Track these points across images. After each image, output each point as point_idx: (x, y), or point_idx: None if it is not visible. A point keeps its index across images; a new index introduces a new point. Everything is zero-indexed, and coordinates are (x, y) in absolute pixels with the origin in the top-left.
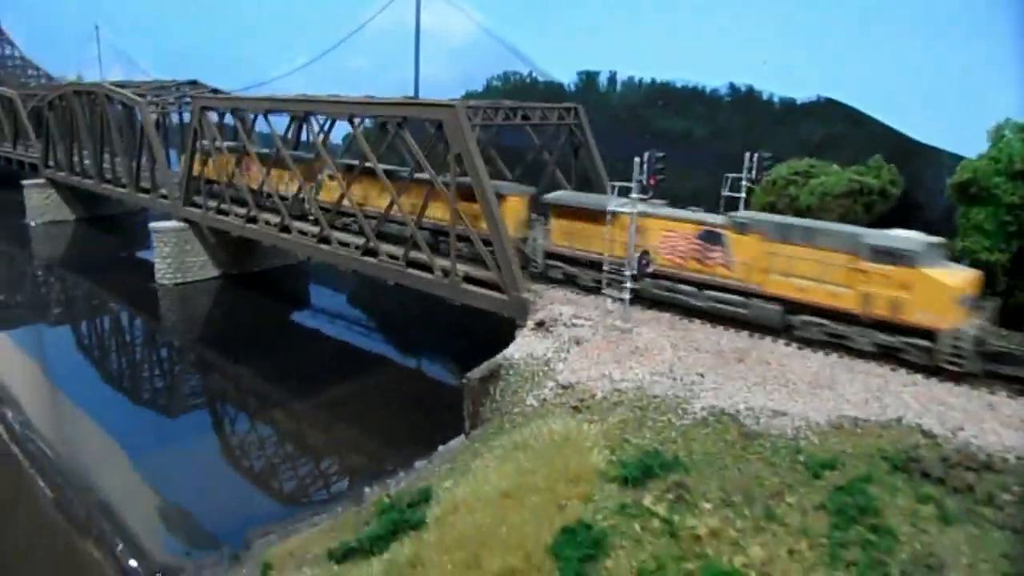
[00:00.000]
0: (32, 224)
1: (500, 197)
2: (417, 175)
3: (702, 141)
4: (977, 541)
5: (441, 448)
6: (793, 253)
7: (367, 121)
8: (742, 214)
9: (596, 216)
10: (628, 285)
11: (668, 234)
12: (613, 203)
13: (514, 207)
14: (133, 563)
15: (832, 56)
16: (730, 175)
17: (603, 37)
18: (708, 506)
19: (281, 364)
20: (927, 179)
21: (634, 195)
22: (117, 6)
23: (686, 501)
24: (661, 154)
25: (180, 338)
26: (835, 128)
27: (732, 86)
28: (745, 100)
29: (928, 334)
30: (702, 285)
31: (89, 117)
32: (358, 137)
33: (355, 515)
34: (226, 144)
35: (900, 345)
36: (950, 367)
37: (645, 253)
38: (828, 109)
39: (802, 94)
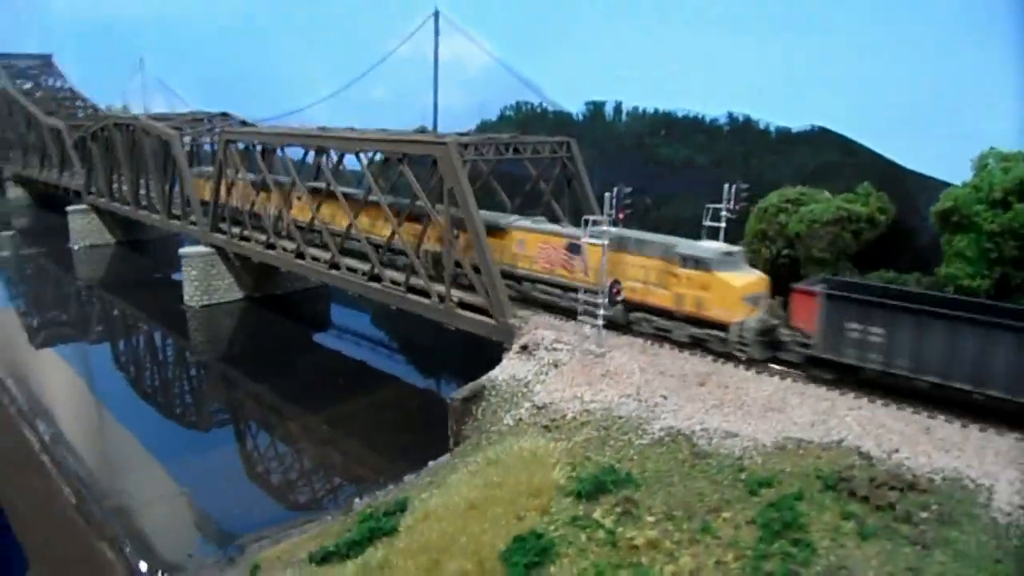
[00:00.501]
0: (75, 247)
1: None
2: (419, 203)
3: (703, 169)
4: (888, 555)
5: (431, 464)
6: (629, 261)
7: (377, 155)
8: (594, 229)
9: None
10: (601, 312)
11: (543, 246)
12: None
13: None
14: (142, 565)
15: (825, 86)
16: (710, 205)
17: (609, 68)
18: (651, 519)
19: (297, 381)
20: (918, 206)
21: (604, 228)
22: (160, 40)
23: (632, 514)
24: (629, 189)
25: (206, 356)
26: (828, 156)
27: (730, 115)
28: (743, 129)
29: (723, 327)
30: (567, 288)
31: (128, 147)
32: (365, 172)
33: (341, 524)
34: (248, 175)
35: (704, 336)
36: (738, 354)
37: (616, 282)
38: (821, 138)
39: (797, 123)
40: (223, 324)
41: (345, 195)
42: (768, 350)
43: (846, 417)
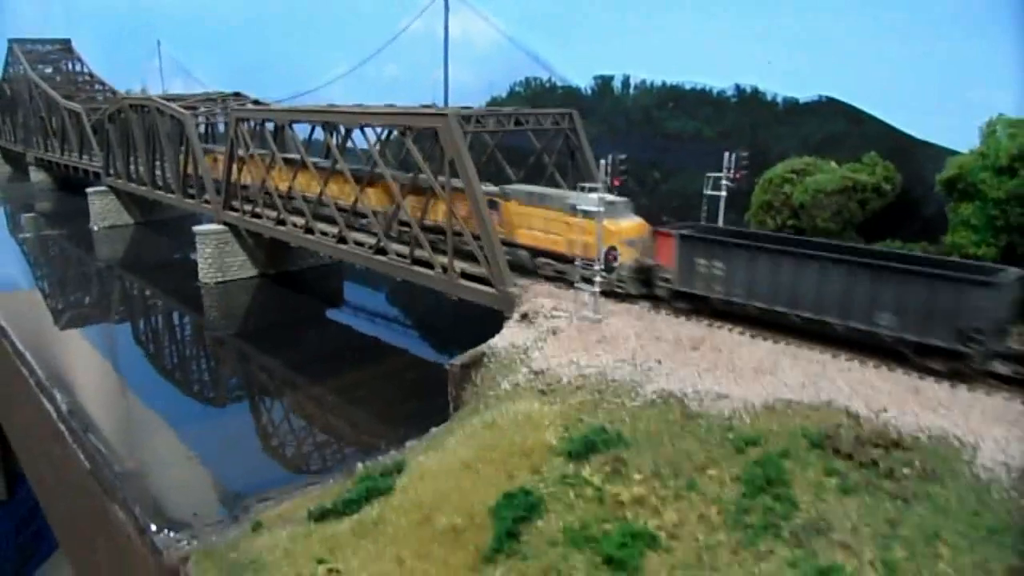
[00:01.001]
0: (95, 228)
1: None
2: (423, 177)
3: (711, 141)
4: (868, 509)
5: (433, 430)
6: (533, 213)
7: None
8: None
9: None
10: (598, 279)
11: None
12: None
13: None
14: (152, 525)
15: (833, 56)
16: (711, 175)
17: (616, 42)
18: (638, 477)
19: (308, 354)
20: (926, 175)
21: (600, 195)
22: (178, 23)
23: (620, 473)
24: (623, 156)
25: (220, 332)
26: (836, 127)
27: (738, 87)
28: (750, 101)
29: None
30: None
31: (143, 128)
32: (370, 146)
33: (341, 485)
34: (258, 152)
35: (591, 276)
36: (618, 290)
37: (612, 248)
38: (829, 108)
39: (804, 94)
40: (238, 301)
41: (351, 170)
42: (643, 286)
43: (836, 379)
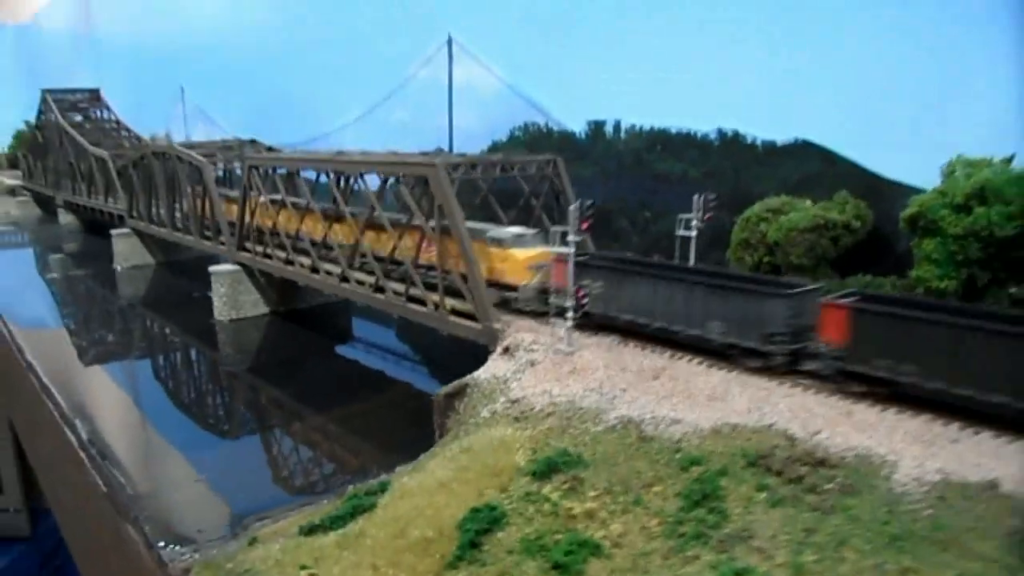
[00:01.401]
0: (118, 268)
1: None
2: (415, 222)
3: (697, 182)
4: (789, 519)
5: (422, 456)
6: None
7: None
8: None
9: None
10: (569, 315)
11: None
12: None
13: None
14: (161, 543)
15: (808, 100)
16: (683, 216)
17: (608, 88)
18: (592, 494)
19: (315, 386)
20: (895, 213)
21: (570, 237)
22: (200, 70)
23: (576, 490)
24: (591, 202)
25: (233, 367)
26: (811, 168)
27: (720, 131)
28: (732, 144)
29: (515, 288)
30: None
31: (165, 174)
32: (368, 192)
33: (332, 505)
34: (268, 196)
35: (508, 297)
36: (524, 307)
37: (583, 286)
38: (804, 150)
39: (782, 137)
40: (250, 337)
41: (352, 214)
42: (544, 304)
43: (779, 404)
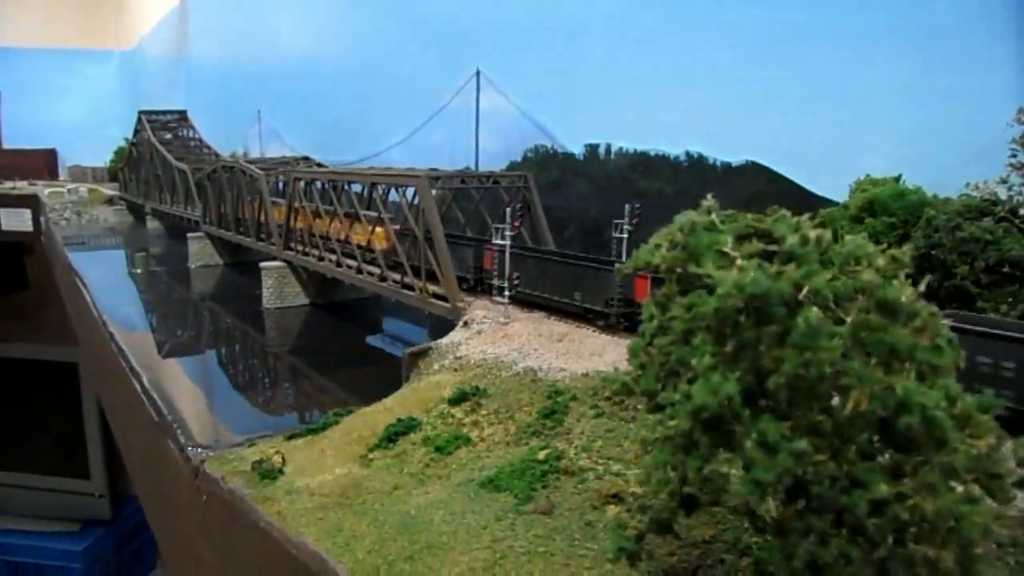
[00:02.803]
0: (192, 267)
1: None
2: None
3: (671, 197)
4: (601, 425)
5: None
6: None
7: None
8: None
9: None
10: (507, 294)
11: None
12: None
13: None
14: (189, 449)
15: (756, 125)
16: (617, 221)
17: (602, 115)
18: (484, 412)
19: (339, 360)
20: None
21: (507, 232)
22: (275, 95)
23: (475, 411)
24: (520, 204)
25: (276, 348)
26: (758, 186)
27: (687, 153)
28: (697, 164)
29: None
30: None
31: (231, 186)
32: (376, 200)
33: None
34: (306, 203)
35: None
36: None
37: (518, 274)
38: (753, 170)
39: (736, 158)
40: (292, 323)
41: (359, 216)
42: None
43: None
